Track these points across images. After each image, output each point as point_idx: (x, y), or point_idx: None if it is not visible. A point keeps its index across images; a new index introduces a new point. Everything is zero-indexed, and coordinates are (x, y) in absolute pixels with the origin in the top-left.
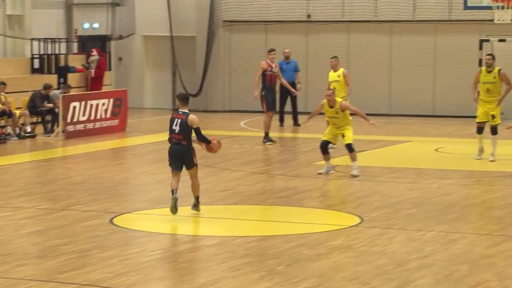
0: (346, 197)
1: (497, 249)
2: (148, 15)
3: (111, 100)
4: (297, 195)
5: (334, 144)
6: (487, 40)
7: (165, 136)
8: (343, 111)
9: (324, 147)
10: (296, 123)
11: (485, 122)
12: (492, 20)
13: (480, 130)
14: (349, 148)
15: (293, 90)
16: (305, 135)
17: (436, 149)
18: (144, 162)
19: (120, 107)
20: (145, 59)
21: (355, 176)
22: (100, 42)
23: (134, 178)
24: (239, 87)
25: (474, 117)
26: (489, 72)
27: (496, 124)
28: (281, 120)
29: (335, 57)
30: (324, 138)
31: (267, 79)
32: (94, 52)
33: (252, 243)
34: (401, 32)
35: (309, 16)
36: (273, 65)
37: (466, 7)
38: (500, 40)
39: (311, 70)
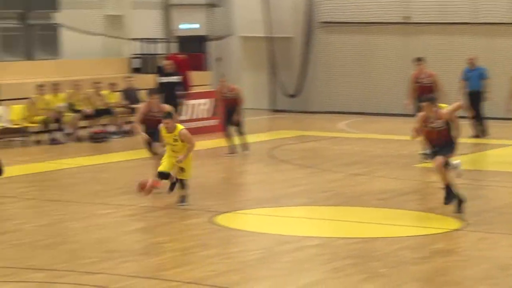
0: None
1: None
2: (246, 16)
3: (211, 100)
4: (398, 197)
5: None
6: None
7: (264, 136)
8: (182, 141)
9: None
10: None
11: None
12: None
13: None
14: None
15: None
16: (404, 137)
17: None
18: (243, 162)
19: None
20: (243, 60)
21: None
22: (198, 42)
23: (235, 177)
24: (337, 88)
25: None
26: None
27: None
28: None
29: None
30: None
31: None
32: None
33: (354, 245)
34: (501, 34)
35: (407, 17)
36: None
37: None
38: None
39: (409, 73)
